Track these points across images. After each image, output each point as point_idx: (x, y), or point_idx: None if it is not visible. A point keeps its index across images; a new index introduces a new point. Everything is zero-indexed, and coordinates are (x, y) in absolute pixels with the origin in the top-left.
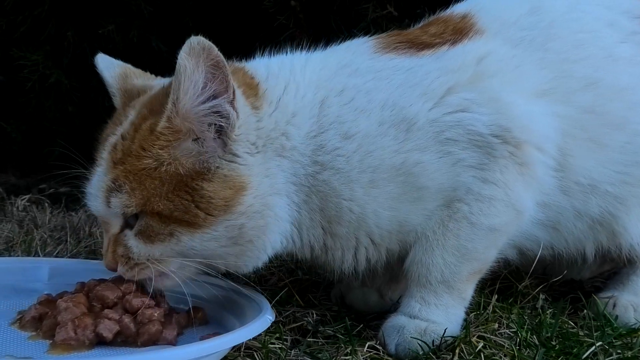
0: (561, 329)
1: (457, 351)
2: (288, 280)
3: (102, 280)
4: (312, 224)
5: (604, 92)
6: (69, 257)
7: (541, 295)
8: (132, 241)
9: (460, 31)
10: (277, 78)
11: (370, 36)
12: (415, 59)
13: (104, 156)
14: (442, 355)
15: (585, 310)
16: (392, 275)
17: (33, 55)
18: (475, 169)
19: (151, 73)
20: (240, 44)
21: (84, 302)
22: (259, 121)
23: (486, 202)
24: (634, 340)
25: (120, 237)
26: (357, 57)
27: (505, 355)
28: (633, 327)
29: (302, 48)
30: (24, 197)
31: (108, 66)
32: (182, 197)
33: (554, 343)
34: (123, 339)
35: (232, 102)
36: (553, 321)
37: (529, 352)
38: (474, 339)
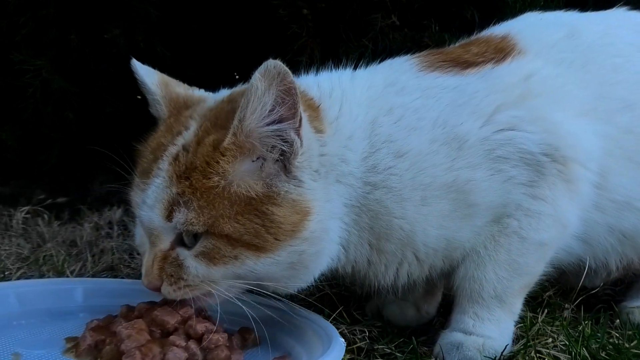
0: (607, 340)
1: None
2: (318, 295)
3: (152, 303)
4: (360, 241)
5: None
6: (91, 276)
7: (566, 305)
8: (191, 261)
9: (502, 50)
10: (331, 98)
11: (410, 55)
12: (461, 77)
13: (162, 166)
14: None
15: (617, 320)
16: (429, 288)
17: (37, 60)
18: (525, 186)
19: None
20: (251, 50)
21: (145, 328)
22: (322, 146)
23: (535, 217)
24: None
25: (170, 255)
26: (402, 75)
27: None
28: None
29: (315, 58)
30: (23, 208)
31: (148, 73)
32: (252, 220)
33: (603, 354)
34: None
35: (297, 130)
36: (593, 331)
37: None
38: (532, 354)
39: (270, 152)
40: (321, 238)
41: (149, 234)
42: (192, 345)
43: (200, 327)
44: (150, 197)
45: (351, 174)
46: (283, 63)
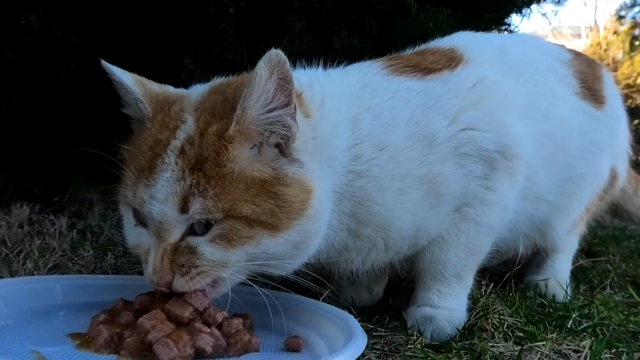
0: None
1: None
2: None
3: (151, 294)
4: (340, 226)
5: (554, 121)
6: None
7: (482, 282)
8: (206, 247)
9: (453, 59)
10: (312, 89)
11: (373, 59)
12: (424, 82)
13: (169, 161)
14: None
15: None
16: (380, 273)
17: None
18: (481, 178)
19: None
20: (174, 47)
21: (164, 319)
22: (312, 130)
23: (487, 205)
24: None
25: (180, 246)
26: (372, 78)
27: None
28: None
29: (242, 56)
30: None
31: (123, 73)
32: (267, 201)
33: (535, 318)
34: (215, 351)
35: (293, 115)
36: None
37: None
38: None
39: (271, 137)
40: (321, 217)
41: (157, 229)
42: (216, 331)
43: (219, 315)
44: (161, 191)
45: (337, 159)
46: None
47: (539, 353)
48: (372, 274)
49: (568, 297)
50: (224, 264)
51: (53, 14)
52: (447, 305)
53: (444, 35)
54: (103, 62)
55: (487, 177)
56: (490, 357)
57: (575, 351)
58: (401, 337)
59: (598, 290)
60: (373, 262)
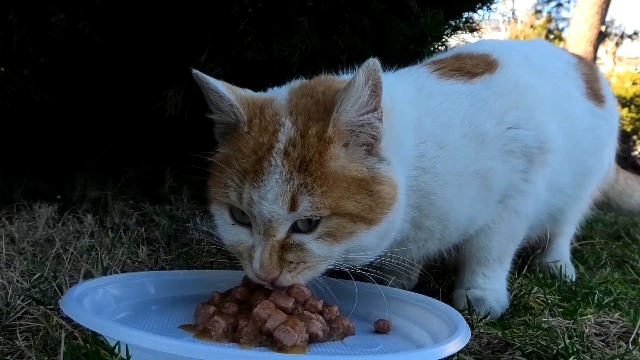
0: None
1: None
2: None
3: (246, 286)
4: (406, 218)
5: (572, 121)
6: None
7: None
8: (314, 244)
9: (490, 64)
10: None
11: (418, 64)
12: (470, 85)
13: (275, 163)
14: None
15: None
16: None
17: None
18: (522, 172)
19: None
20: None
21: (276, 309)
22: (390, 131)
23: (526, 195)
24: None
25: (288, 243)
26: (425, 82)
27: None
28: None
29: (261, 54)
30: None
31: (216, 81)
32: (365, 198)
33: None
34: (323, 336)
35: (380, 118)
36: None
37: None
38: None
39: (363, 137)
40: (401, 210)
41: (265, 228)
42: (320, 318)
43: (319, 303)
44: (271, 192)
45: (407, 157)
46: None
47: (587, 326)
48: (420, 262)
49: (575, 277)
50: (328, 258)
51: (80, 12)
52: (492, 286)
53: (439, 36)
54: (197, 72)
55: (526, 171)
56: (545, 330)
57: (612, 322)
58: None
59: (596, 269)
60: (426, 252)
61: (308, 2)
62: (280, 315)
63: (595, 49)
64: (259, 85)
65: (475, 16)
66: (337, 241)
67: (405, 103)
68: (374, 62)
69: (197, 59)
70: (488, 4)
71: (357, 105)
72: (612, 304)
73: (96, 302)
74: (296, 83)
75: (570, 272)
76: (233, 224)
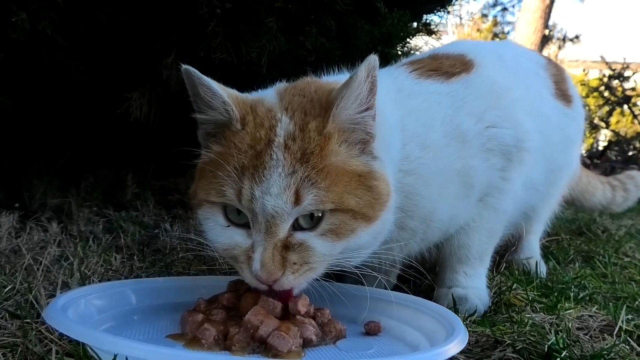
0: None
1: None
2: None
3: (232, 292)
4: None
5: (543, 119)
6: None
7: None
8: (317, 241)
9: (466, 64)
10: None
11: (396, 64)
12: (448, 84)
13: (276, 157)
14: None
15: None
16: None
17: None
18: (500, 170)
19: None
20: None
21: (268, 314)
22: (379, 130)
23: (504, 193)
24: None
25: (290, 242)
26: (404, 82)
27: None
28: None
29: (231, 55)
30: None
31: (208, 78)
32: (365, 194)
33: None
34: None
35: (374, 117)
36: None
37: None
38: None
39: (359, 135)
40: (393, 208)
41: (267, 225)
42: (313, 322)
43: (310, 307)
44: (274, 186)
45: (394, 159)
46: None
47: (569, 321)
48: (400, 263)
49: (546, 273)
50: (330, 257)
51: (41, 12)
52: (473, 284)
53: (405, 37)
54: (188, 67)
55: (505, 169)
56: (531, 326)
57: (591, 316)
58: None
59: (565, 265)
60: (408, 252)
61: (276, 3)
62: (272, 321)
63: (540, 51)
64: (227, 86)
65: (436, 18)
66: (339, 239)
67: (389, 103)
68: (374, 59)
69: (162, 60)
70: (446, 7)
71: (357, 102)
72: (588, 299)
73: (79, 313)
74: (281, 86)
75: (542, 269)
76: (227, 226)
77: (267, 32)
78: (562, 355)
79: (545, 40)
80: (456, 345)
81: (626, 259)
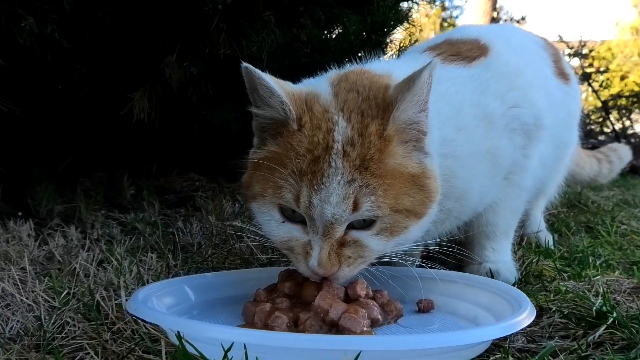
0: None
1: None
2: None
3: (290, 281)
4: None
5: (551, 97)
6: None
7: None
8: (372, 239)
9: (482, 48)
10: None
11: (420, 51)
12: (470, 68)
13: (335, 164)
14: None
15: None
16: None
17: None
18: (522, 149)
19: None
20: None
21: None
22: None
23: (525, 170)
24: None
25: (346, 240)
26: None
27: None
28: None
29: (235, 51)
30: None
31: (268, 75)
32: (418, 193)
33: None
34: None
35: (427, 114)
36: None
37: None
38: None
39: (415, 134)
40: (438, 201)
41: (324, 229)
42: (375, 302)
43: (369, 290)
44: (333, 195)
45: (432, 142)
46: None
47: (601, 285)
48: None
49: (553, 244)
50: (382, 252)
51: (48, 15)
52: (502, 259)
53: (396, 24)
54: (247, 65)
55: (525, 147)
56: (566, 292)
57: (616, 280)
58: None
59: (569, 235)
60: (442, 231)
61: None
62: (341, 305)
63: None
64: (231, 81)
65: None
66: (392, 236)
67: None
68: (436, 61)
69: (165, 58)
70: None
71: (417, 104)
72: (605, 265)
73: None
74: (333, 76)
75: (550, 239)
76: (283, 222)
77: (265, 26)
78: (613, 316)
79: (493, 22)
80: (530, 313)
81: (623, 227)
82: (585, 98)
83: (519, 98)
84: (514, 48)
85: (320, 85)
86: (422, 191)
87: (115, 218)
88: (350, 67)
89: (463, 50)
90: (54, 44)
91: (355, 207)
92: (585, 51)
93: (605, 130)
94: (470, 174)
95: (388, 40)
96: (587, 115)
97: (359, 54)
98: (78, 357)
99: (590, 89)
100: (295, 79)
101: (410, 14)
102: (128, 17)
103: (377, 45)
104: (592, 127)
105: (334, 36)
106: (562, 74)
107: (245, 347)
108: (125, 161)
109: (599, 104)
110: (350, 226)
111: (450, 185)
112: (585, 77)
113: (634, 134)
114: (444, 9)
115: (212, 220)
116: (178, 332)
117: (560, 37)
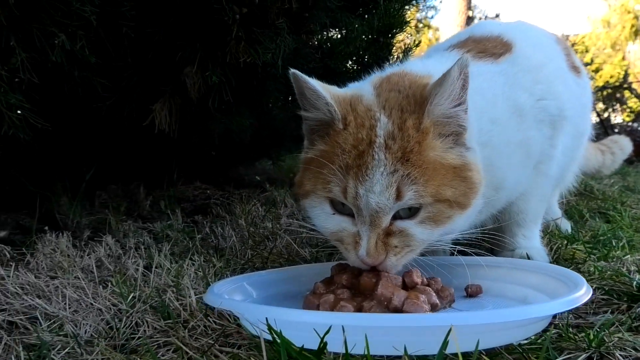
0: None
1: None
2: None
3: (346, 273)
4: None
5: (569, 89)
6: None
7: None
8: (416, 228)
9: (505, 45)
10: None
11: (447, 49)
12: (498, 64)
13: (378, 157)
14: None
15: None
16: None
17: None
18: (549, 139)
19: None
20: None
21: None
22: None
23: (552, 159)
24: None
25: (392, 230)
26: None
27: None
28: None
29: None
30: None
31: (314, 80)
32: (460, 184)
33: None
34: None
35: (466, 110)
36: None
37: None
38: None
39: (453, 128)
40: (482, 193)
41: (371, 218)
42: (431, 289)
43: (424, 277)
44: (377, 185)
45: (473, 137)
46: None
47: (631, 263)
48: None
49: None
50: (428, 241)
51: (77, 32)
52: (532, 244)
53: (403, 26)
54: (294, 71)
55: (552, 137)
56: (603, 271)
57: None
58: None
59: (584, 221)
60: (479, 220)
61: (285, 4)
62: (402, 292)
63: None
64: (248, 88)
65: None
66: (437, 225)
67: None
68: (466, 57)
69: (184, 69)
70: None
71: (450, 98)
72: (629, 246)
73: None
74: (376, 79)
75: (569, 226)
76: (333, 214)
77: (279, 34)
78: None
79: (469, 20)
80: (587, 290)
81: (632, 211)
82: None
83: (544, 91)
84: (534, 43)
85: (363, 88)
86: (465, 182)
87: (143, 227)
88: (391, 69)
89: (489, 47)
90: (82, 59)
91: (399, 195)
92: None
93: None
94: (506, 163)
95: (395, 41)
96: None
97: (366, 56)
98: (160, 353)
99: None
100: None
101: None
102: (150, 30)
103: (384, 47)
104: None
105: (339, 39)
106: (574, 67)
107: (343, 329)
108: (138, 173)
109: None
110: (397, 217)
111: (489, 174)
112: None
113: (617, 124)
114: (418, 9)
115: (243, 224)
116: (266, 320)
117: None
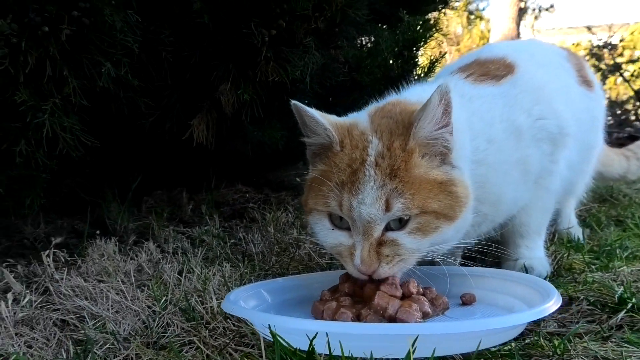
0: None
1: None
2: None
3: (349, 282)
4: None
5: (575, 105)
6: None
7: None
8: (406, 238)
9: (508, 66)
10: None
11: (452, 73)
12: (499, 86)
13: (369, 173)
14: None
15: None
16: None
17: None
18: (549, 155)
19: None
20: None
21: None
22: (455, 140)
23: (553, 174)
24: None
25: (383, 240)
26: (463, 88)
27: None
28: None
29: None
30: None
31: (312, 109)
32: (446, 198)
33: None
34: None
35: (451, 132)
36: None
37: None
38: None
39: (438, 149)
40: (471, 207)
41: (363, 229)
42: (424, 298)
43: (419, 287)
44: (368, 197)
45: (467, 155)
46: None
47: (627, 274)
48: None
49: (583, 239)
50: (418, 251)
51: (121, 59)
52: (535, 255)
53: (426, 40)
54: (295, 103)
55: (552, 154)
56: (593, 282)
57: (639, 270)
58: None
59: (600, 229)
60: (478, 234)
61: (313, 24)
62: (396, 301)
63: (518, 24)
64: (278, 103)
65: (436, 14)
66: (425, 235)
67: (456, 109)
68: (445, 85)
69: (219, 87)
70: (449, 3)
71: (433, 122)
72: (632, 257)
73: None
74: (372, 109)
75: (580, 235)
76: (332, 229)
77: (307, 52)
78: (632, 301)
79: (521, 12)
80: (556, 301)
81: None
82: (617, 87)
83: (544, 111)
84: (539, 63)
85: (360, 116)
86: (450, 196)
87: (183, 232)
88: (389, 99)
89: (492, 69)
90: (127, 83)
91: (388, 207)
92: (615, 41)
93: None
94: (502, 180)
95: (420, 54)
96: (622, 104)
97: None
98: (184, 350)
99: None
100: (336, 97)
101: (439, 24)
102: (186, 53)
103: (409, 60)
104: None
105: (366, 53)
106: (585, 82)
107: (327, 336)
108: (182, 179)
109: (631, 93)
110: (388, 229)
111: (485, 191)
112: (616, 68)
113: None
114: (468, 2)
115: (271, 231)
116: (269, 325)
117: (589, 28)
